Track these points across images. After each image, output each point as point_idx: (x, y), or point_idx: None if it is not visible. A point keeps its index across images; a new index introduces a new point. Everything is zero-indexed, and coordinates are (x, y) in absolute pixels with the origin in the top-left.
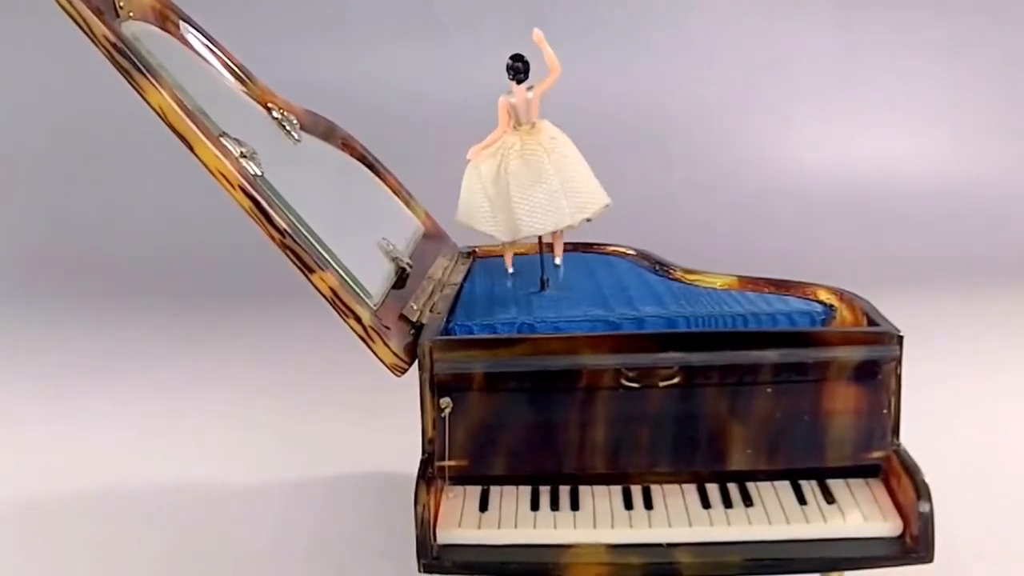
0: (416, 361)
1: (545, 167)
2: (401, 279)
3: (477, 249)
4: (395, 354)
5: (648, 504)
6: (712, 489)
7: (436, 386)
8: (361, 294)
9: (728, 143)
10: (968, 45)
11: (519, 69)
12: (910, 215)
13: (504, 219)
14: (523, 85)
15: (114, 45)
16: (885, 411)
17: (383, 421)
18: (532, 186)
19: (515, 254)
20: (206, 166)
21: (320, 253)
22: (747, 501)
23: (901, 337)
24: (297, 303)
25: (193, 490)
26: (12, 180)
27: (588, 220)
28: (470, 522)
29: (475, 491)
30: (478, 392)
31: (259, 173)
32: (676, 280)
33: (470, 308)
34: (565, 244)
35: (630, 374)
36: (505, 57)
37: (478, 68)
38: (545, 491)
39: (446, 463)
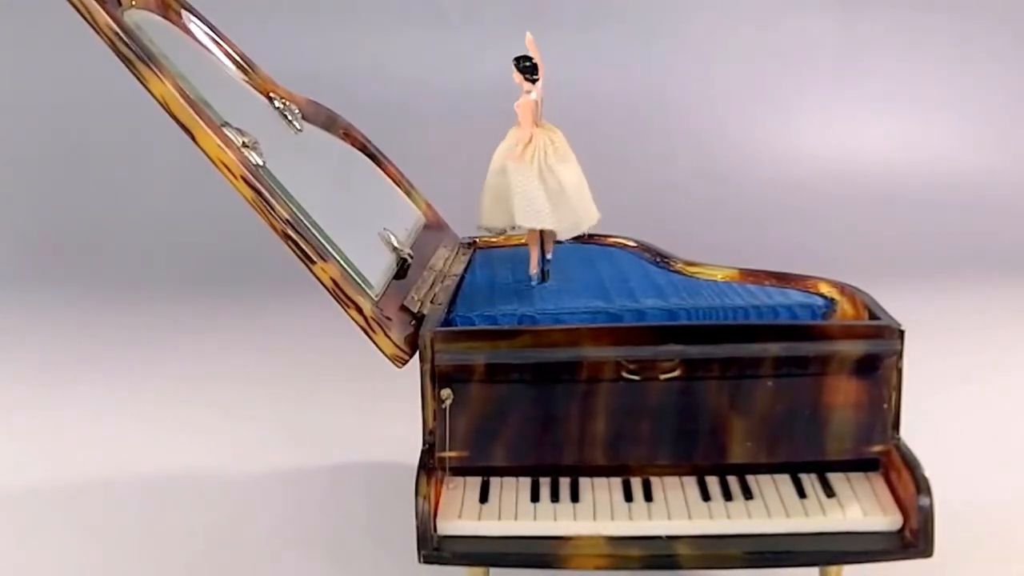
0: (417, 352)
1: (575, 162)
2: (402, 269)
3: (478, 240)
4: (396, 345)
5: (648, 496)
6: (712, 482)
7: (437, 377)
8: (362, 284)
9: (730, 134)
10: (972, 35)
11: (533, 68)
12: (912, 208)
13: (564, 215)
14: (537, 84)
15: (116, 34)
16: (885, 405)
17: (383, 411)
18: (581, 181)
19: (512, 246)
20: (208, 156)
21: (321, 243)
22: (747, 494)
23: (902, 331)
24: (298, 293)
25: (192, 479)
26: (14, 167)
27: None
28: (470, 513)
29: (475, 482)
30: (479, 383)
31: (261, 163)
32: (677, 272)
33: (471, 299)
34: None
35: (631, 366)
36: (508, 46)
37: (481, 58)
38: (545, 483)
39: (447, 454)
